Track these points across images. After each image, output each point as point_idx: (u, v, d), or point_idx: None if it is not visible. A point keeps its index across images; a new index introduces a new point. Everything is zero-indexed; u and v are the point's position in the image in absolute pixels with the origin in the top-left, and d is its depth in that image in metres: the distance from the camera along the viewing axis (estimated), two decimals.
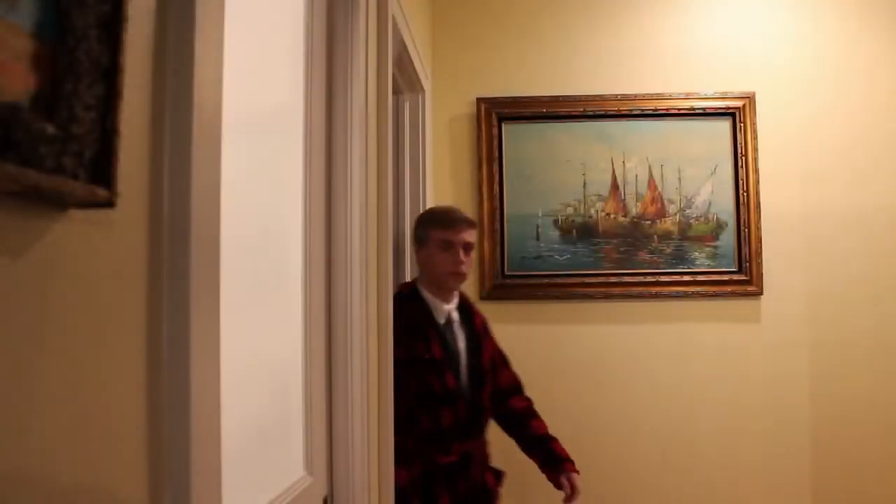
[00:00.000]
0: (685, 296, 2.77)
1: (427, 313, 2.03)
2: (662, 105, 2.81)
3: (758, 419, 2.74)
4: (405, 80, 2.39)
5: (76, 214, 0.58)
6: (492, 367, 2.13)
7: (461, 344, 2.06)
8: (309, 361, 1.41)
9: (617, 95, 2.82)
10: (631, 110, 2.81)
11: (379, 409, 1.71)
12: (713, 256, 2.79)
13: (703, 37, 2.86)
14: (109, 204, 0.57)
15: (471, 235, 2.07)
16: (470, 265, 2.08)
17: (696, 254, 2.79)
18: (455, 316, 2.08)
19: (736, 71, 2.83)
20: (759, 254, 2.75)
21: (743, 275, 2.76)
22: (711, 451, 2.75)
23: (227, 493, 0.82)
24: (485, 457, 2.10)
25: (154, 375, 0.70)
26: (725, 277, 2.77)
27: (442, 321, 2.04)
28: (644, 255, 2.80)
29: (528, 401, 2.25)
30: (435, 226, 2.07)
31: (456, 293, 2.11)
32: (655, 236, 2.81)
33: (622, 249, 2.80)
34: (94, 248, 0.61)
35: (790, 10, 2.86)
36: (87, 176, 0.54)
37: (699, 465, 2.74)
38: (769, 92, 2.81)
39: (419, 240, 2.10)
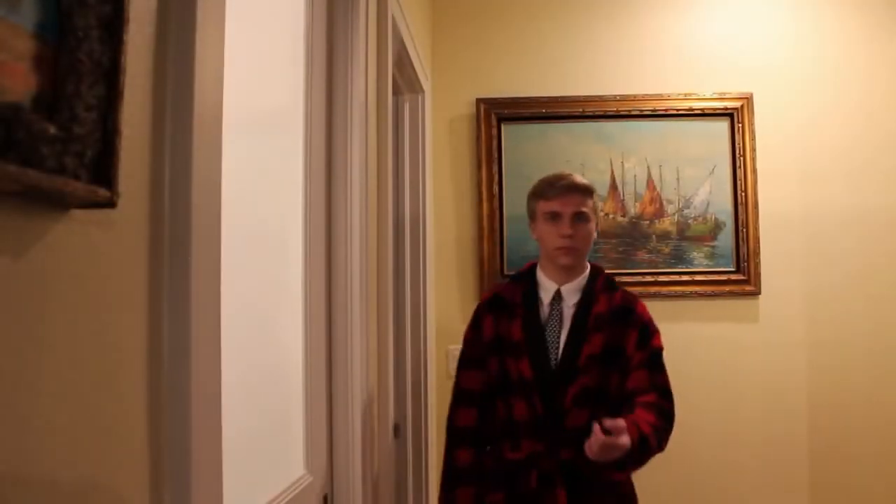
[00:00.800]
0: (683, 295, 2.77)
1: (531, 292, 1.83)
2: (661, 105, 2.81)
3: (755, 418, 2.74)
4: (405, 80, 2.39)
5: (77, 214, 0.58)
6: (594, 364, 1.74)
7: (563, 331, 1.78)
8: (309, 361, 1.41)
9: (616, 96, 2.82)
10: (630, 111, 2.81)
11: (379, 408, 1.71)
12: (711, 256, 2.79)
13: (701, 37, 2.87)
14: (111, 204, 0.57)
15: (581, 203, 1.78)
16: (584, 238, 1.80)
17: (695, 254, 2.80)
18: (570, 299, 1.80)
19: (734, 71, 2.83)
20: (758, 254, 2.75)
21: (741, 274, 2.76)
22: (709, 449, 2.75)
23: (227, 492, 0.83)
24: (560, 467, 1.71)
25: (154, 375, 0.70)
26: (723, 277, 2.77)
27: (546, 301, 1.81)
28: (642, 255, 2.81)
29: (661, 402, 1.73)
30: (539, 196, 1.84)
31: (582, 273, 1.83)
32: (654, 236, 2.81)
33: (621, 249, 2.81)
34: (96, 248, 0.61)
35: (790, 10, 2.86)
36: (88, 176, 0.55)
37: (697, 464, 2.74)
38: (767, 92, 2.81)
39: (531, 214, 1.89)
